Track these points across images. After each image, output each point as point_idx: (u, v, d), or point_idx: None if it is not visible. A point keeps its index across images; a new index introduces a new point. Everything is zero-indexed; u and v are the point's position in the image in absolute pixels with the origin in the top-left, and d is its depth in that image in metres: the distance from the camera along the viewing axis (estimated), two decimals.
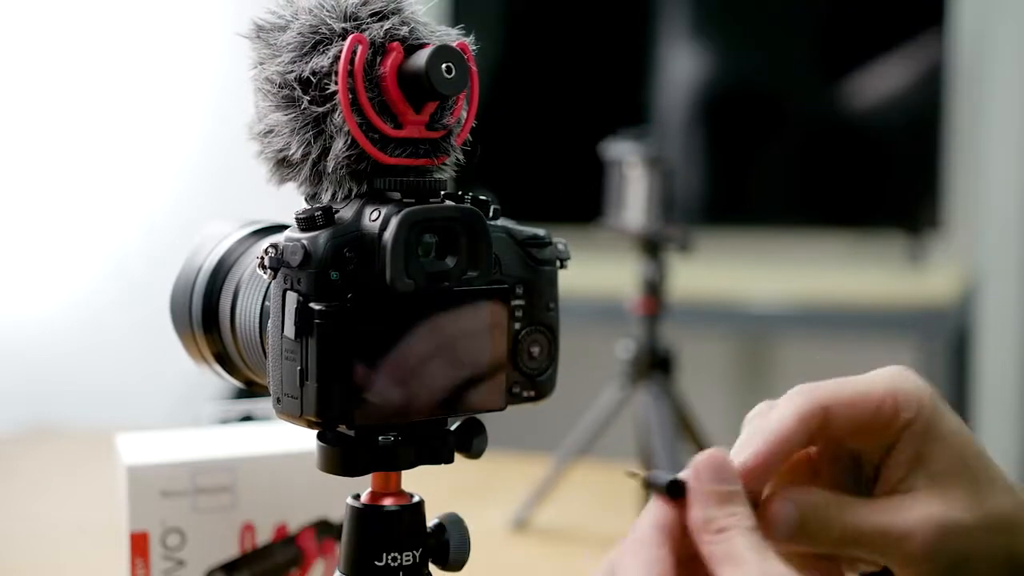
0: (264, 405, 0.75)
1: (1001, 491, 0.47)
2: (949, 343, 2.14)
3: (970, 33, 2.41)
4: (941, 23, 2.34)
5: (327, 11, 0.50)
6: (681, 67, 2.60)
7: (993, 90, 2.42)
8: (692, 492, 0.43)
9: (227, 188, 1.91)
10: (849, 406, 0.46)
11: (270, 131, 0.51)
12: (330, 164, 0.50)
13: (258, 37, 0.52)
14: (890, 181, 2.47)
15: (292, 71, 0.50)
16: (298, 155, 0.50)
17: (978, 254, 2.46)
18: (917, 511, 0.46)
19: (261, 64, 0.51)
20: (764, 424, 0.47)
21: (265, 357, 0.52)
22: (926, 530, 0.45)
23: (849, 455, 0.49)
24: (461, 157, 0.53)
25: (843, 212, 2.51)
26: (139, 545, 0.67)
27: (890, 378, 0.47)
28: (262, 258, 0.49)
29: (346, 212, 0.49)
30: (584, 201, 1.62)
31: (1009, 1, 2.40)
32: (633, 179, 1.13)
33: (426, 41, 0.51)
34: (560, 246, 0.55)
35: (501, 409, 0.52)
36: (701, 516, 0.42)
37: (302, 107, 0.50)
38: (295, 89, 0.50)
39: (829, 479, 0.49)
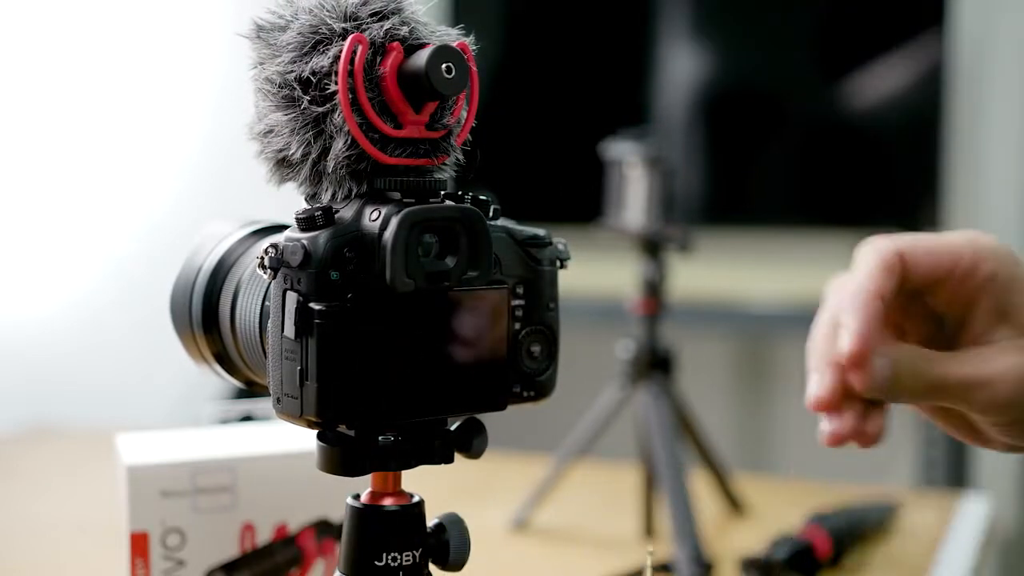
0: (264, 405, 0.75)
1: None
2: None
3: (970, 33, 2.41)
4: (941, 23, 2.34)
5: (327, 11, 0.50)
6: (681, 67, 2.60)
7: (993, 90, 2.42)
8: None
9: (227, 188, 1.91)
10: (927, 253, 0.49)
11: (270, 131, 0.51)
12: (330, 164, 0.50)
13: (258, 37, 0.52)
14: (890, 181, 2.47)
15: (292, 71, 0.50)
16: (298, 155, 0.50)
17: None
18: (1000, 360, 0.48)
19: (261, 64, 0.51)
20: (853, 287, 0.49)
21: (265, 357, 0.52)
22: (1008, 378, 0.48)
23: (932, 314, 0.52)
24: (461, 157, 0.53)
25: (843, 212, 2.51)
26: (139, 545, 0.67)
27: (967, 235, 0.51)
28: (262, 258, 0.49)
29: (346, 212, 0.49)
30: (584, 201, 1.62)
31: (1009, 1, 2.40)
32: (633, 179, 1.13)
33: (426, 41, 0.51)
34: (560, 246, 0.55)
35: (501, 409, 0.52)
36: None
37: (302, 107, 0.50)
38: (295, 89, 0.50)
39: (915, 338, 0.52)
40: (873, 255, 0.49)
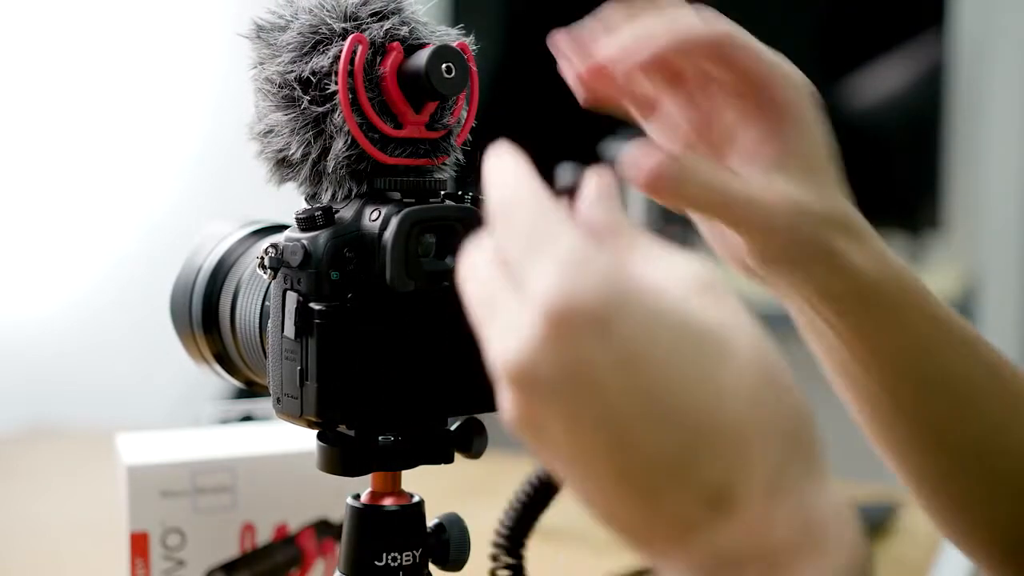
0: (264, 405, 0.75)
1: (841, 195, 0.54)
2: None
3: (970, 33, 2.41)
4: (941, 23, 2.34)
5: (327, 11, 0.50)
6: None
7: (993, 90, 2.42)
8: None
9: (227, 188, 1.91)
10: (753, 59, 0.52)
11: (270, 131, 0.51)
12: (330, 164, 0.50)
13: (258, 37, 0.52)
14: (890, 181, 2.47)
15: (292, 71, 0.50)
16: (298, 155, 0.50)
17: (978, 254, 2.46)
18: (782, 189, 0.51)
19: (261, 64, 0.51)
20: (673, 19, 0.50)
21: (265, 357, 0.52)
22: (787, 207, 0.51)
23: (709, 110, 0.53)
24: (461, 157, 0.53)
25: None
26: (139, 545, 0.67)
27: (788, 63, 0.52)
28: (262, 258, 0.49)
29: (346, 212, 0.49)
30: None
31: (1009, 1, 2.40)
32: None
33: (426, 41, 0.51)
34: None
35: None
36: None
37: (302, 107, 0.50)
38: (295, 89, 0.50)
39: (681, 125, 0.54)
40: (711, 26, 0.51)
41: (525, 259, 0.36)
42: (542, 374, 0.35)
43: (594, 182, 0.41)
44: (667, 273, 0.37)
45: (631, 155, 0.47)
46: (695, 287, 0.37)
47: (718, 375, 0.36)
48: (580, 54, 0.51)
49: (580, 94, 0.52)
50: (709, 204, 0.50)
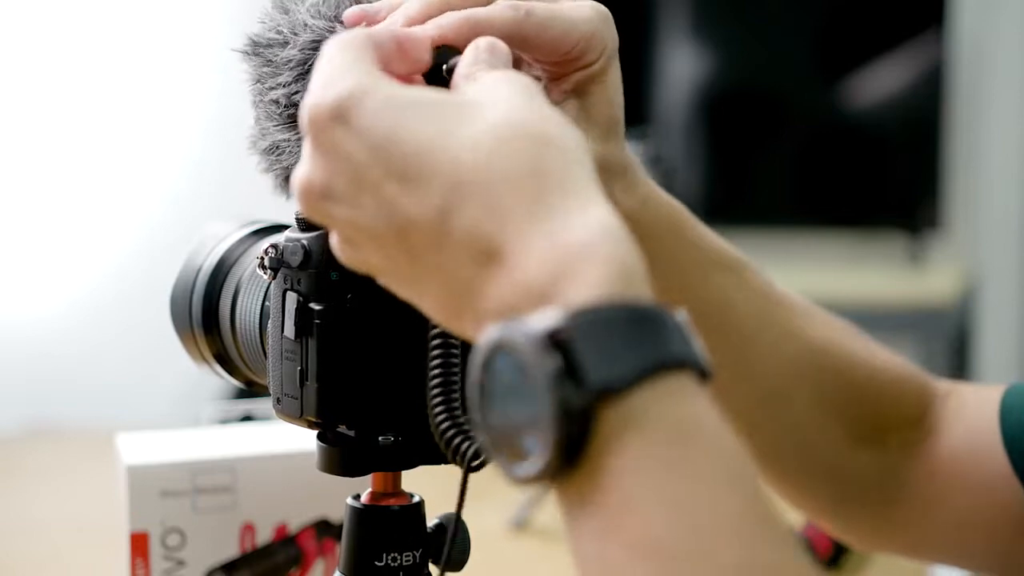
0: (264, 405, 0.75)
1: (616, 140, 0.52)
2: (949, 343, 2.14)
3: (970, 33, 2.41)
4: (941, 23, 2.34)
5: (327, 25, 0.49)
6: (681, 67, 2.60)
7: (993, 90, 2.42)
8: (467, 50, 0.44)
9: (227, 188, 1.91)
10: (545, 37, 0.49)
11: (277, 149, 0.51)
12: None
13: (256, 54, 0.51)
14: (890, 181, 2.47)
15: (298, 91, 0.49)
16: None
17: (978, 254, 2.46)
18: (583, 11, 0.49)
19: (260, 82, 0.51)
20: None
21: (265, 357, 0.52)
22: (585, 19, 0.49)
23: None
24: None
25: (843, 212, 2.51)
26: (139, 545, 0.67)
27: (573, 9, 0.49)
28: (262, 258, 0.49)
29: None
30: None
31: (1009, 1, 2.40)
32: None
33: None
34: None
35: None
36: (464, 72, 0.43)
37: None
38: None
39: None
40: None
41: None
42: (316, 179, 0.40)
43: (481, 42, 0.44)
44: (482, 86, 0.41)
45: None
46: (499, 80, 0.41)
47: (458, 133, 0.39)
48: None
49: None
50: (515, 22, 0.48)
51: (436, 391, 0.44)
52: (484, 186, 0.38)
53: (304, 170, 0.41)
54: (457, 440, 0.43)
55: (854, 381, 0.60)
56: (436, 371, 0.44)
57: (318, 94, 0.40)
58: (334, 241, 0.42)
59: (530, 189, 0.38)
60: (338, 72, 0.41)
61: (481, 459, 0.43)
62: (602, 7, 0.50)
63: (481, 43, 0.44)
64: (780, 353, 0.59)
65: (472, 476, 0.45)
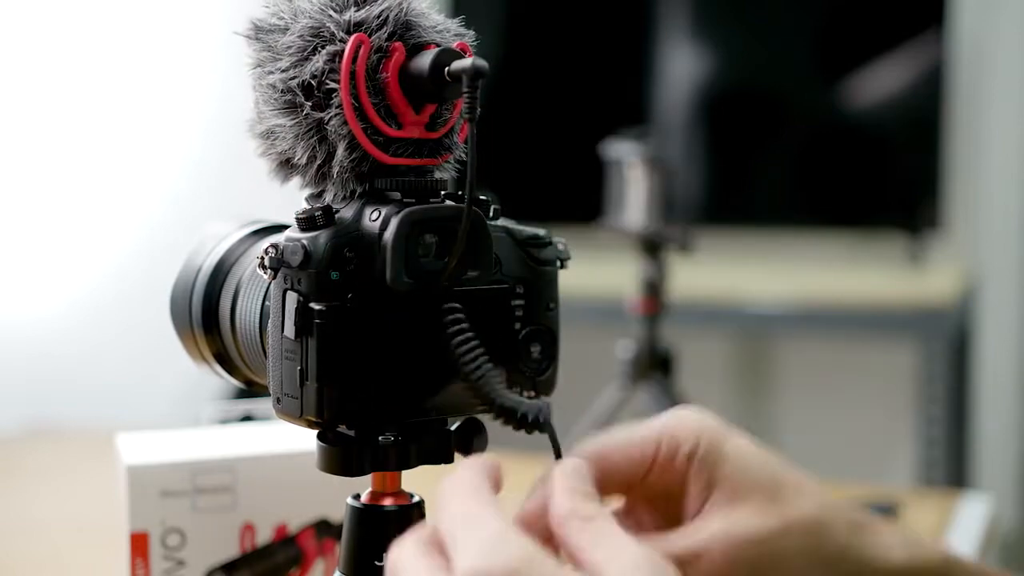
0: (264, 405, 0.75)
1: (804, 495, 0.49)
2: (949, 343, 2.14)
3: (970, 33, 2.41)
4: (941, 23, 2.34)
5: (328, 12, 0.50)
6: (681, 67, 2.60)
7: (993, 90, 2.42)
8: (556, 486, 0.44)
9: (227, 188, 1.91)
10: (621, 455, 0.49)
11: (272, 133, 0.51)
12: (335, 169, 0.50)
13: (257, 38, 0.51)
14: (890, 181, 2.47)
15: (295, 76, 0.49)
16: (303, 160, 0.50)
17: (978, 254, 2.46)
18: (708, 529, 0.48)
19: (260, 66, 0.51)
20: (532, 502, 0.47)
21: (265, 357, 0.52)
22: (718, 545, 0.48)
23: (662, 497, 0.51)
24: (463, 156, 0.53)
25: (843, 212, 2.51)
26: (139, 545, 0.67)
27: (666, 420, 0.50)
28: (262, 258, 0.49)
29: (346, 212, 0.49)
30: (584, 201, 1.62)
31: (1009, 1, 2.40)
32: (633, 179, 1.13)
33: (429, 40, 0.51)
34: (560, 246, 0.54)
35: None
36: (567, 506, 0.43)
37: (304, 112, 0.50)
38: (297, 95, 0.50)
39: (650, 524, 0.52)
40: (559, 474, 0.46)
41: (456, 538, 0.40)
42: None
43: (564, 468, 0.44)
44: (608, 554, 0.39)
45: None
46: (632, 569, 0.39)
47: None
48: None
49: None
50: None
51: (472, 369, 0.46)
52: None
53: None
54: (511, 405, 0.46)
55: None
56: (466, 353, 0.47)
57: (488, 557, 0.39)
58: None
59: None
60: (500, 537, 0.40)
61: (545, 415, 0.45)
62: (684, 407, 0.51)
63: (569, 468, 0.44)
64: None
65: None
